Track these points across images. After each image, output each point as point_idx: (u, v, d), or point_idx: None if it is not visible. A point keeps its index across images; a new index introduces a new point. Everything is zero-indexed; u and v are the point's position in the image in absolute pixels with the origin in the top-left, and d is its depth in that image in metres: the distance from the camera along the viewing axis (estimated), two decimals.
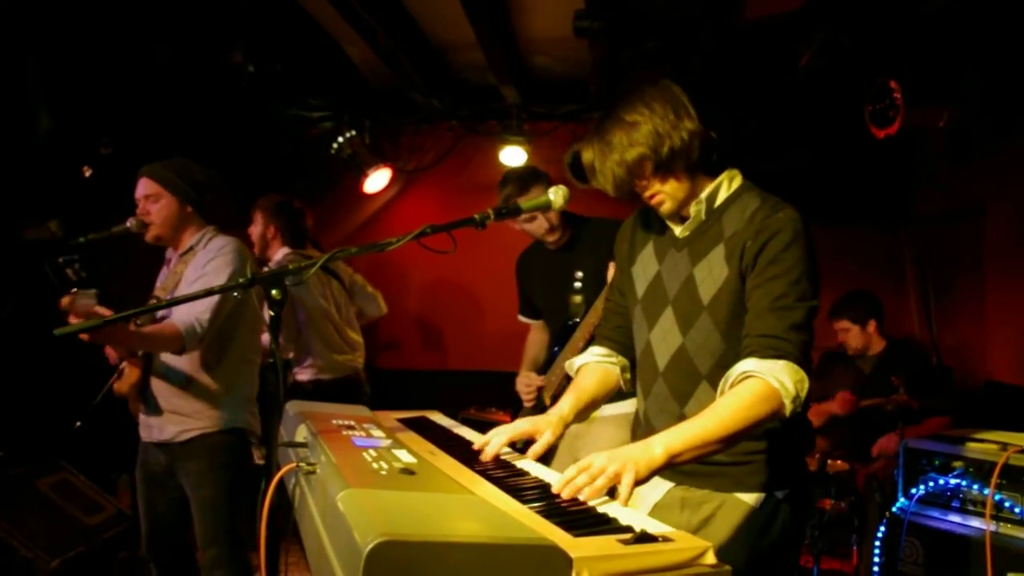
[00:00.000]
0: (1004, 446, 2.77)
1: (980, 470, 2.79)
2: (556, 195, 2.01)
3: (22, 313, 3.90)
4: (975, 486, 2.78)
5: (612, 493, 1.57)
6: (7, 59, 3.77)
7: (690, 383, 1.90)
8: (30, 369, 4.01)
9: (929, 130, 4.51)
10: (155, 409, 3.00)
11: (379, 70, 5.14)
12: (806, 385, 1.71)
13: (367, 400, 4.52)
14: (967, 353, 4.95)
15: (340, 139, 5.45)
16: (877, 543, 3.07)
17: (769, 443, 1.86)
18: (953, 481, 2.84)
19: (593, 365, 2.14)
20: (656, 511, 1.97)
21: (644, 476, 1.59)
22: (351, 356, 4.44)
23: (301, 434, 1.85)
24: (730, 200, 1.90)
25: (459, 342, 6.28)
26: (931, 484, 2.92)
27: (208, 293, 1.93)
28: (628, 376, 2.15)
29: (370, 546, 1.01)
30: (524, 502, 1.45)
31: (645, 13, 4.09)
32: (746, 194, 1.90)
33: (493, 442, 1.84)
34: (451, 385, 6.11)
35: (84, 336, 2.57)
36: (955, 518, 2.85)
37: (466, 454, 1.84)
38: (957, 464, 2.86)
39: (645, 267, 2.04)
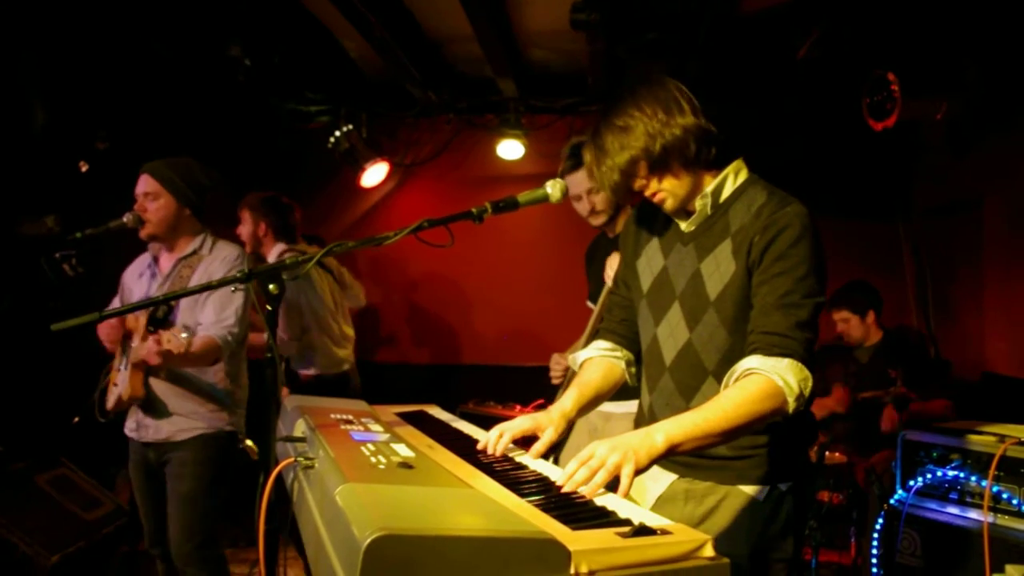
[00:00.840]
0: (1002, 438, 2.77)
1: (978, 462, 2.79)
2: (553, 189, 2.00)
3: (19, 308, 3.90)
4: (973, 478, 2.78)
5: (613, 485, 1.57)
6: (3, 54, 3.76)
7: (696, 378, 1.91)
8: (28, 365, 4.01)
9: (927, 123, 4.51)
10: (153, 411, 3.00)
11: (376, 63, 5.12)
12: (810, 383, 1.71)
13: (357, 392, 4.52)
14: (965, 345, 4.95)
15: (337, 133, 5.44)
16: (875, 535, 3.07)
17: (772, 436, 1.87)
18: (951, 473, 2.84)
19: (597, 360, 2.14)
20: (660, 503, 1.97)
21: (644, 465, 1.59)
22: (348, 350, 4.45)
23: (299, 429, 1.85)
24: (736, 194, 1.89)
25: (457, 336, 6.28)
26: (929, 476, 2.92)
27: (204, 288, 1.92)
28: (634, 370, 2.15)
29: (368, 540, 1.01)
30: (523, 496, 1.45)
31: (643, 5, 4.08)
32: (752, 188, 1.89)
33: (500, 442, 1.84)
34: (449, 379, 6.11)
35: (154, 361, 2.65)
36: (953, 510, 2.85)
37: (464, 448, 1.84)
38: (955, 456, 2.87)
39: (651, 261, 2.04)
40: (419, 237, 1.86)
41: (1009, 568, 2.51)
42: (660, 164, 1.82)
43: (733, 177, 1.91)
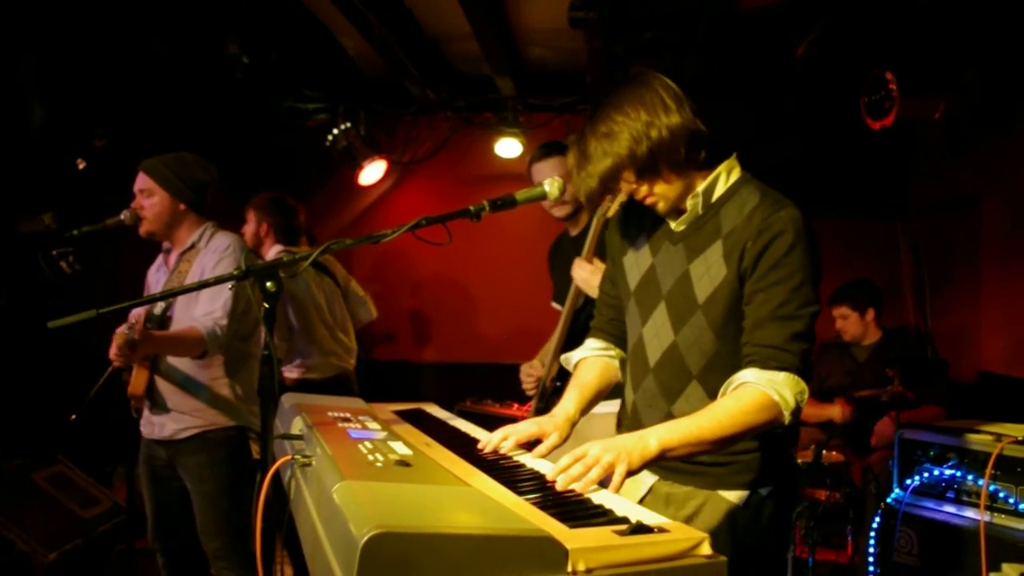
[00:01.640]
0: (998, 437, 2.78)
1: (975, 461, 2.80)
2: (551, 186, 2.00)
3: (16, 306, 3.89)
4: (970, 477, 2.78)
5: (605, 483, 1.57)
6: (1, 52, 3.75)
7: (680, 381, 1.89)
8: (25, 362, 4.01)
9: (925, 122, 4.52)
10: (159, 407, 3.00)
11: (374, 61, 5.12)
12: (806, 396, 1.71)
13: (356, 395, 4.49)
14: (962, 344, 4.96)
15: (335, 131, 5.44)
16: (872, 534, 3.08)
17: (753, 443, 1.85)
18: (948, 472, 2.85)
19: (592, 359, 2.13)
20: (641, 505, 1.96)
21: (637, 467, 1.60)
22: (342, 358, 4.38)
23: (297, 427, 1.84)
24: (728, 194, 1.85)
25: (455, 334, 6.28)
26: (926, 475, 2.93)
27: (202, 285, 1.92)
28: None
29: (365, 538, 1.01)
30: (520, 494, 1.45)
31: (641, 4, 4.08)
32: (744, 188, 1.85)
33: (503, 444, 1.84)
34: (447, 377, 6.11)
35: (122, 355, 2.65)
36: (950, 509, 2.86)
37: (462, 446, 1.84)
38: (952, 455, 2.87)
39: (638, 259, 2.01)
40: (417, 235, 1.85)
41: (1005, 567, 2.52)
42: (648, 168, 1.77)
43: (725, 176, 1.87)
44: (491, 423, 2.00)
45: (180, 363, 2.97)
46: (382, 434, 1.75)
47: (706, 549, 1.23)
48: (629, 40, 4.29)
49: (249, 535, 3.00)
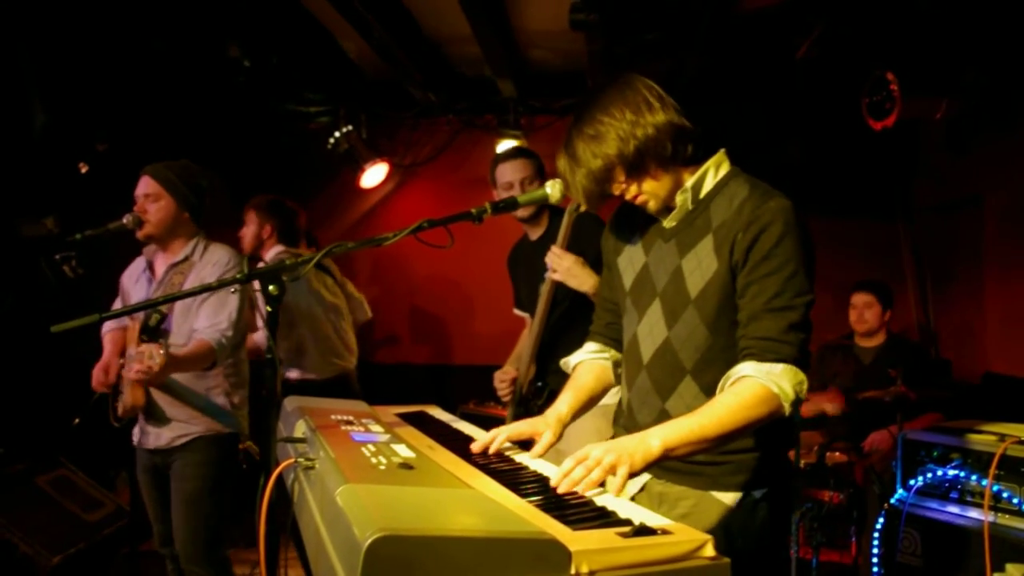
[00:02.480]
0: (1002, 437, 2.78)
1: (978, 461, 2.79)
2: (553, 189, 2.00)
3: (19, 309, 3.90)
4: (973, 477, 2.78)
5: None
6: (2, 55, 3.76)
7: (673, 378, 1.88)
8: (28, 366, 4.01)
9: (926, 122, 4.51)
10: (156, 418, 3.00)
11: (375, 64, 5.13)
12: (805, 387, 1.71)
13: (357, 399, 4.48)
14: (965, 344, 4.96)
15: (337, 134, 5.44)
16: (876, 534, 3.07)
17: (745, 443, 1.84)
18: (951, 472, 2.85)
19: (589, 363, 2.14)
20: (635, 503, 1.96)
21: (640, 468, 1.60)
22: (343, 358, 4.38)
23: (299, 430, 1.85)
24: (718, 188, 1.86)
25: (457, 336, 6.28)
26: (929, 475, 2.93)
27: (204, 289, 1.92)
28: (620, 371, 2.15)
29: (369, 541, 1.01)
30: (523, 496, 1.45)
31: (642, 5, 4.08)
32: (734, 181, 1.85)
33: (494, 443, 1.85)
34: (450, 380, 6.11)
35: (136, 378, 2.64)
36: (953, 509, 2.85)
37: (465, 449, 1.84)
38: (955, 455, 2.87)
39: (632, 259, 2.01)
40: (419, 238, 1.86)
41: (1010, 567, 2.51)
42: (637, 167, 1.78)
43: (714, 171, 1.88)
44: (494, 425, 2.00)
45: (178, 374, 2.97)
46: (385, 437, 1.75)
47: (709, 551, 1.23)
48: (630, 42, 4.29)
49: (223, 544, 3.03)
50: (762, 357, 1.70)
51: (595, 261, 2.64)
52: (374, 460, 1.47)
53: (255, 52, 4.44)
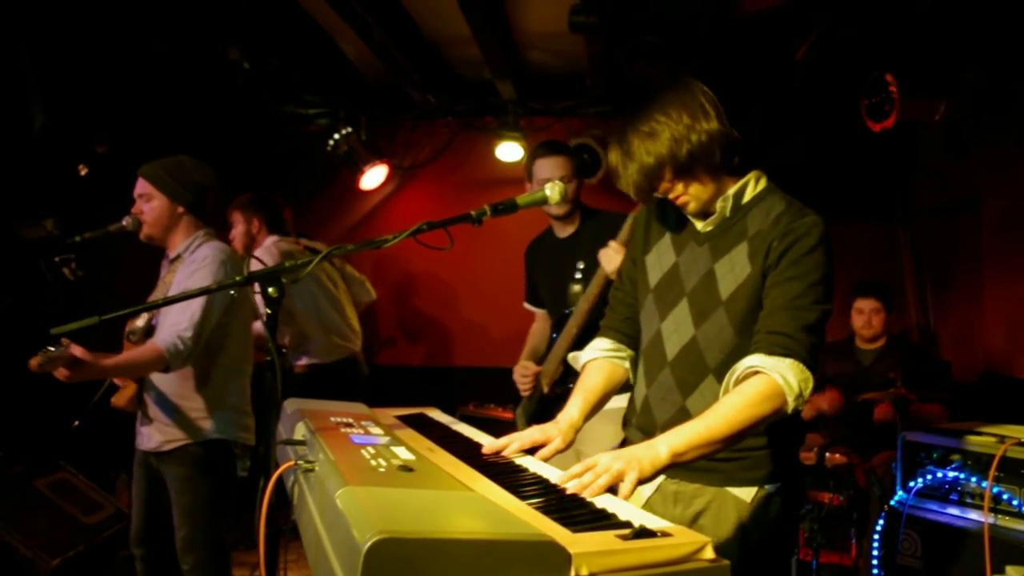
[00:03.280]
0: (1002, 439, 2.77)
1: (978, 463, 2.79)
2: (552, 191, 2.01)
3: (19, 311, 3.89)
4: (973, 479, 2.78)
5: (613, 490, 1.57)
6: (2, 56, 3.76)
7: (696, 375, 1.91)
8: (27, 368, 4.00)
9: (925, 124, 4.52)
10: (147, 418, 2.99)
11: (375, 66, 5.13)
12: (810, 384, 1.73)
13: (365, 382, 4.52)
14: (965, 345, 4.96)
15: (336, 136, 5.45)
16: (876, 536, 3.07)
17: (760, 439, 1.87)
18: (951, 474, 2.84)
19: (601, 361, 2.13)
20: (649, 505, 1.97)
21: (649, 475, 1.61)
22: (349, 339, 4.45)
23: (299, 432, 1.84)
24: (756, 200, 1.92)
25: (457, 338, 6.28)
26: (929, 477, 2.92)
27: (204, 292, 1.92)
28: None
29: (369, 543, 1.01)
30: (523, 498, 1.45)
31: (641, 7, 4.08)
32: (771, 196, 1.92)
33: (508, 449, 1.85)
34: (450, 382, 6.11)
35: (61, 376, 2.58)
36: (953, 511, 2.85)
37: (465, 451, 1.84)
38: (955, 457, 2.86)
39: (661, 257, 2.04)
40: (418, 240, 1.86)
41: (1010, 569, 2.51)
42: (685, 169, 1.84)
43: (754, 183, 1.94)
44: (494, 427, 2.00)
45: (161, 376, 2.93)
46: (385, 439, 1.75)
47: (709, 553, 1.23)
48: (629, 44, 4.30)
49: (225, 553, 3.00)
50: (771, 350, 1.73)
51: None
52: (374, 462, 1.47)
53: (255, 54, 4.44)
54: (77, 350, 2.56)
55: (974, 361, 4.79)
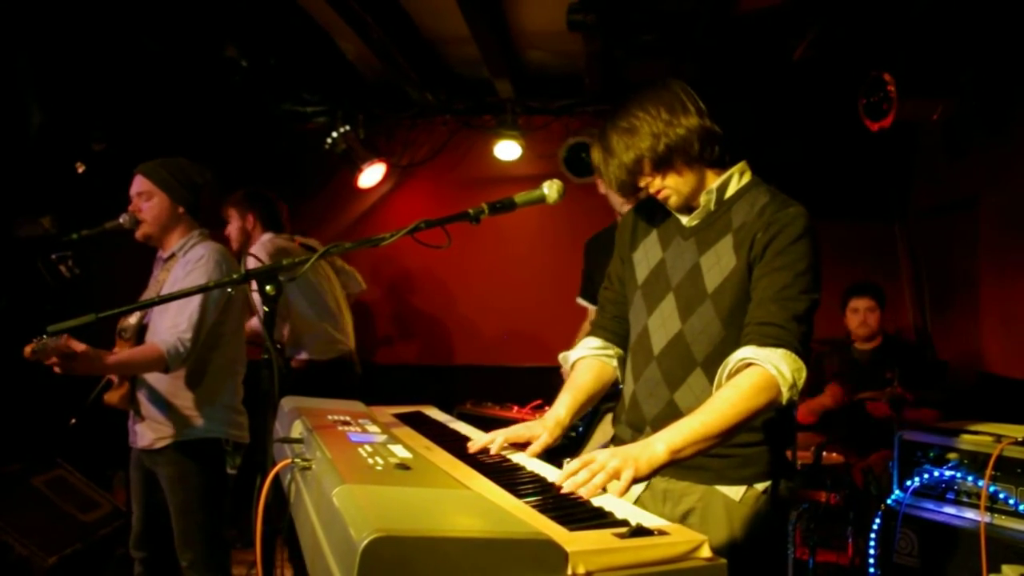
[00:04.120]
0: (998, 438, 2.78)
1: (975, 462, 2.80)
2: (550, 190, 2.01)
3: (16, 309, 3.89)
4: (970, 478, 2.78)
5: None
6: (0, 55, 3.75)
7: (684, 369, 1.91)
8: (24, 366, 4.00)
9: (923, 123, 4.52)
10: (139, 416, 2.99)
11: (373, 65, 5.12)
12: (803, 374, 1.73)
13: (357, 380, 4.55)
14: (961, 345, 4.96)
15: (334, 134, 5.44)
16: (872, 535, 3.08)
17: (750, 436, 1.87)
18: (948, 473, 2.85)
19: (589, 360, 2.13)
20: (640, 503, 1.97)
21: (645, 474, 1.61)
22: (346, 337, 4.49)
23: (296, 430, 1.84)
24: (740, 193, 1.93)
25: (454, 337, 6.28)
26: (926, 476, 2.93)
27: (202, 290, 1.92)
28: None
29: (365, 541, 1.01)
30: (520, 497, 1.45)
31: (639, 7, 4.08)
32: (755, 189, 1.93)
33: (493, 444, 1.85)
34: (447, 380, 6.11)
35: (57, 370, 2.59)
36: (950, 510, 2.86)
37: (462, 449, 1.84)
38: (952, 456, 2.87)
39: (648, 254, 2.05)
40: (416, 238, 1.86)
41: (1006, 568, 2.52)
42: (664, 162, 1.86)
43: (738, 177, 1.95)
44: (491, 425, 2.00)
45: (154, 374, 2.93)
46: (382, 437, 1.75)
47: (706, 552, 1.23)
48: (627, 43, 4.30)
49: (223, 548, 3.00)
50: (763, 341, 1.73)
51: None
52: (371, 461, 1.47)
53: (252, 52, 4.44)
54: (79, 346, 2.59)
55: (970, 360, 4.79)
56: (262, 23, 4.35)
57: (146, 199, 2.98)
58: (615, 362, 2.13)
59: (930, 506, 2.92)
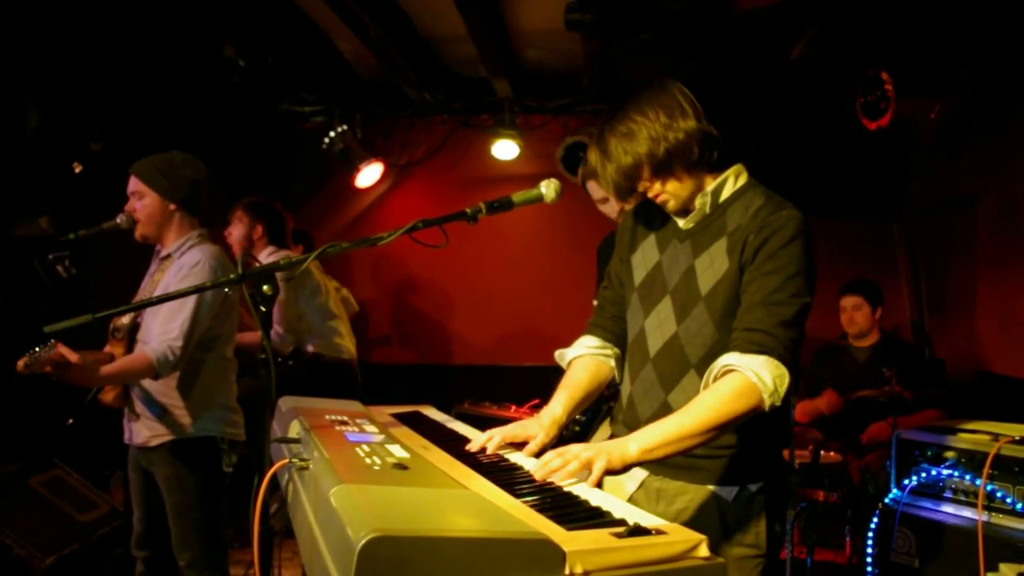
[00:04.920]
0: (996, 437, 2.78)
1: (972, 461, 2.80)
2: (547, 189, 2.01)
3: (13, 309, 3.88)
4: (967, 477, 2.79)
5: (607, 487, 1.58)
6: None
7: (678, 371, 1.92)
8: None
9: (920, 122, 4.52)
10: (133, 414, 2.98)
11: (370, 64, 5.12)
12: (786, 381, 1.72)
13: (360, 387, 4.60)
14: (959, 344, 4.97)
15: (332, 133, 5.44)
16: (870, 534, 3.08)
17: (742, 437, 1.88)
18: (945, 472, 2.85)
19: (586, 359, 2.13)
20: (633, 501, 1.99)
21: (618, 468, 1.65)
22: (350, 342, 4.61)
23: (294, 430, 1.84)
24: (735, 196, 1.92)
25: (452, 337, 6.28)
26: (923, 475, 2.93)
27: (199, 290, 1.91)
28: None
29: (363, 541, 1.01)
30: (518, 496, 1.45)
31: (637, 5, 4.08)
32: (751, 191, 1.92)
33: (490, 444, 1.85)
34: (444, 380, 6.11)
35: (53, 376, 2.59)
36: (947, 508, 2.86)
37: (459, 449, 1.84)
38: (949, 455, 2.87)
39: (645, 256, 2.05)
40: (413, 237, 1.86)
41: (1003, 566, 2.52)
42: (663, 167, 1.85)
43: (734, 179, 1.94)
44: (489, 425, 1.99)
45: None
46: (379, 437, 1.75)
47: (704, 551, 1.23)
48: (625, 42, 4.30)
49: (221, 548, 3.00)
50: (746, 348, 1.73)
51: None
52: (368, 460, 1.47)
53: (250, 52, 4.44)
54: (73, 356, 2.59)
55: (968, 359, 4.80)
56: (260, 23, 4.35)
57: (139, 198, 2.97)
58: (612, 361, 2.13)
59: (928, 505, 2.92)
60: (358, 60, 5.21)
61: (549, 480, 1.57)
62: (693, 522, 1.88)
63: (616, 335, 2.14)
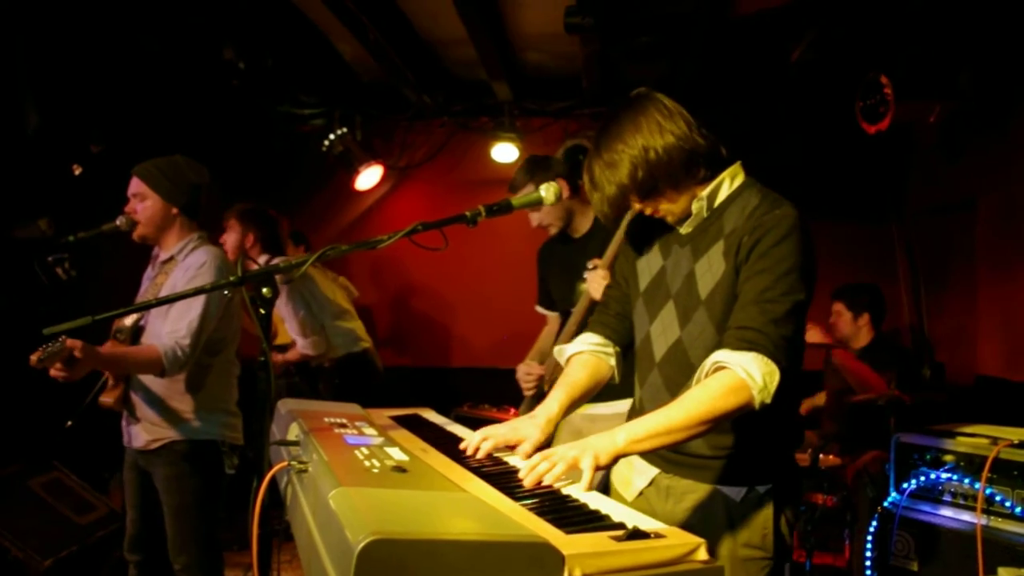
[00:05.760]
0: (995, 440, 2.78)
1: (971, 464, 2.79)
2: (548, 192, 2.00)
3: (12, 311, 3.88)
4: (966, 480, 2.78)
5: (607, 491, 1.58)
6: None
7: (683, 375, 1.92)
8: (20, 368, 3.99)
9: (920, 125, 4.53)
10: (133, 417, 2.98)
11: (370, 66, 5.13)
12: (776, 378, 1.70)
13: (382, 374, 4.81)
14: (958, 347, 4.97)
15: (331, 136, 5.44)
16: (869, 537, 3.08)
17: (751, 437, 1.88)
18: (944, 475, 2.85)
19: (586, 356, 2.13)
20: (642, 498, 2.00)
21: (605, 462, 1.64)
22: (357, 324, 4.78)
23: (293, 432, 1.84)
24: (732, 197, 1.92)
25: (452, 339, 6.28)
26: (922, 478, 2.93)
27: (198, 292, 1.91)
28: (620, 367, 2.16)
29: (362, 544, 1.01)
30: (516, 499, 1.45)
31: (637, 9, 4.08)
32: (747, 191, 1.92)
33: (483, 446, 1.85)
34: (444, 382, 6.11)
35: (60, 375, 2.60)
36: (946, 512, 2.85)
37: (458, 452, 1.84)
38: (948, 458, 2.87)
39: (650, 261, 2.06)
40: (413, 240, 1.86)
41: (1002, 570, 2.51)
42: (649, 191, 1.85)
43: (729, 181, 1.93)
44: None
45: (149, 377, 2.92)
46: (378, 440, 1.75)
47: (702, 555, 1.23)
48: (625, 45, 4.30)
49: (217, 552, 2.99)
50: (736, 345, 1.73)
51: None
52: (367, 463, 1.47)
53: (250, 54, 4.43)
54: (75, 343, 2.58)
55: (968, 362, 4.80)
56: (259, 25, 4.35)
57: (140, 200, 2.97)
58: (612, 359, 2.13)
59: (926, 508, 2.91)
60: (358, 62, 5.22)
61: (566, 494, 1.55)
62: (700, 521, 1.88)
63: (619, 333, 2.14)
